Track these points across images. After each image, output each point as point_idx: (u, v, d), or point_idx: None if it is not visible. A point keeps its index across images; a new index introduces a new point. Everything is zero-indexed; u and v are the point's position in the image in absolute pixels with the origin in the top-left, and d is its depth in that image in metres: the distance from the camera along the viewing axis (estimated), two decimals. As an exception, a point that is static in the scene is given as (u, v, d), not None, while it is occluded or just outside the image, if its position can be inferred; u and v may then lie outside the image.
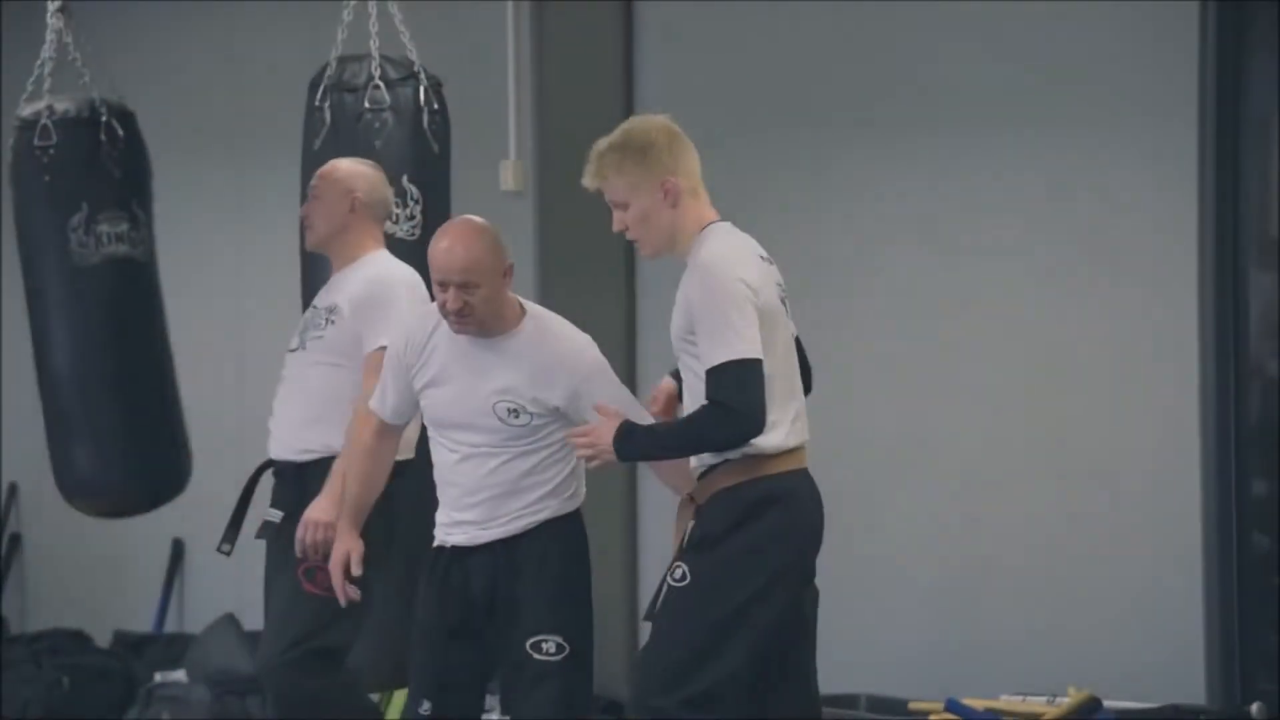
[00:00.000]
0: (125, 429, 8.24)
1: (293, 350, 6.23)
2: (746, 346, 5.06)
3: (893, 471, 8.44)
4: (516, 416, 5.39)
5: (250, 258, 10.43)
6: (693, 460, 5.21)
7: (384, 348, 5.89)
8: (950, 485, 8.28)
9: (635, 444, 5.19)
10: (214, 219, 10.56)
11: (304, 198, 6.56)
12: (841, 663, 8.36)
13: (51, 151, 8.06)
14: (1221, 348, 7.46)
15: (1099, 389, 7.97)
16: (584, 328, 8.87)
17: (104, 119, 8.02)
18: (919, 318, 8.39)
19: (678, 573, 5.15)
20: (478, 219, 5.49)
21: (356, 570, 5.62)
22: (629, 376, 9.12)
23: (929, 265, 8.37)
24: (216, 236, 10.58)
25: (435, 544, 5.53)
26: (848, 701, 7.98)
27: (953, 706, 7.34)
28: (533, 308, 5.53)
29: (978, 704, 7.30)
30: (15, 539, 11.26)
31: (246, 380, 9.33)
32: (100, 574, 10.90)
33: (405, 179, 6.97)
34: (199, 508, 10.11)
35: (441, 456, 5.49)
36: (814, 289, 8.61)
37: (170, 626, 10.57)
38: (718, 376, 5.05)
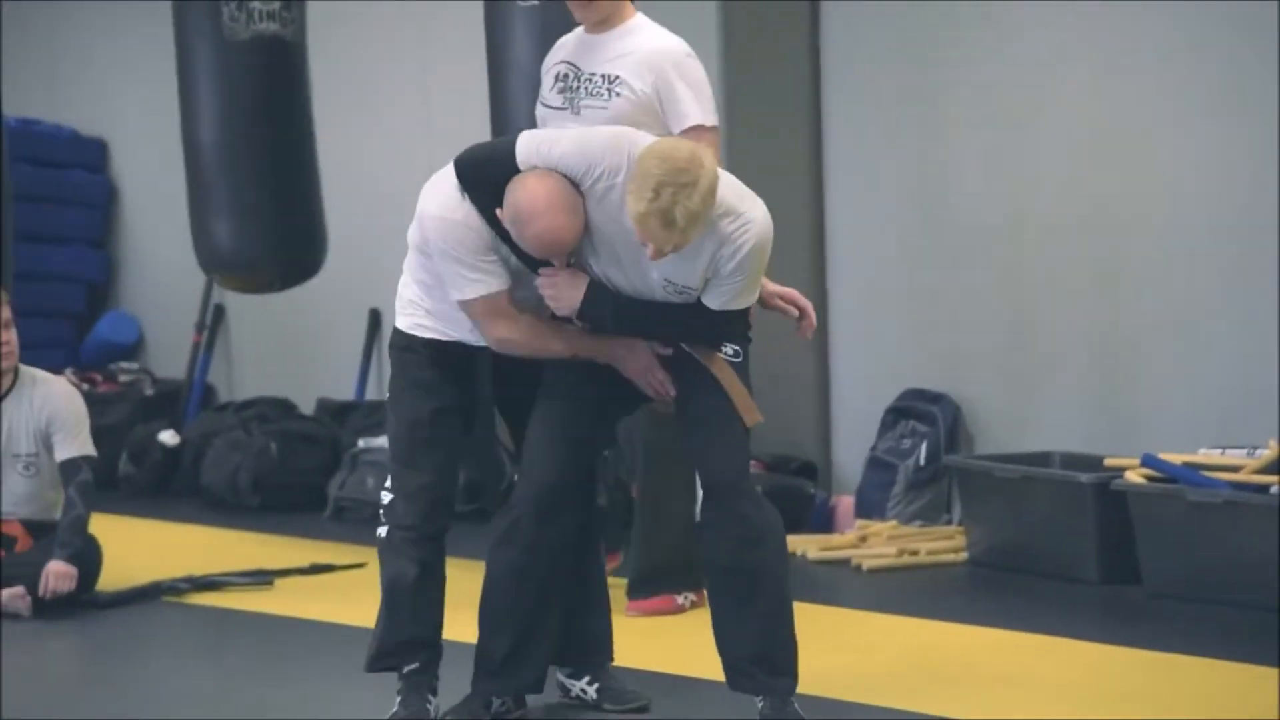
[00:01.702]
0: (265, 205, 8.22)
1: (557, 109, 5.68)
2: (757, 294, 5.32)
3: (1090, 235, 8.20)
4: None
5: (436, 40, 10.32)
6: None
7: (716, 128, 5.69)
8: (1145, 248, 8.05)
9: (603, 311, 5.21)
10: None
11: None
12: (1035, 421, 8.26)
13: None
14: None
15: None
16: (768, 63, 8.66)
17: None
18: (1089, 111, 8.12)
19: (729, 350, 5.27)
20: None
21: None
22: (814, 135, 8.91)
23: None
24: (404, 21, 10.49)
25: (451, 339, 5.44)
26: (1041, 459, 7.87)
27: (1149, 461, 7.18)
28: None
29: (1175, 459, 7.11)
30: (219, 310, 11.37)
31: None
32: (302, 344, 11.01)
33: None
34: (395, 278, 10.11)
35: None
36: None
37: (370, 394, 10.62)
38: (734, 314, 5.22)
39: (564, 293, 5.21)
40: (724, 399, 5.25)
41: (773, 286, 5.47)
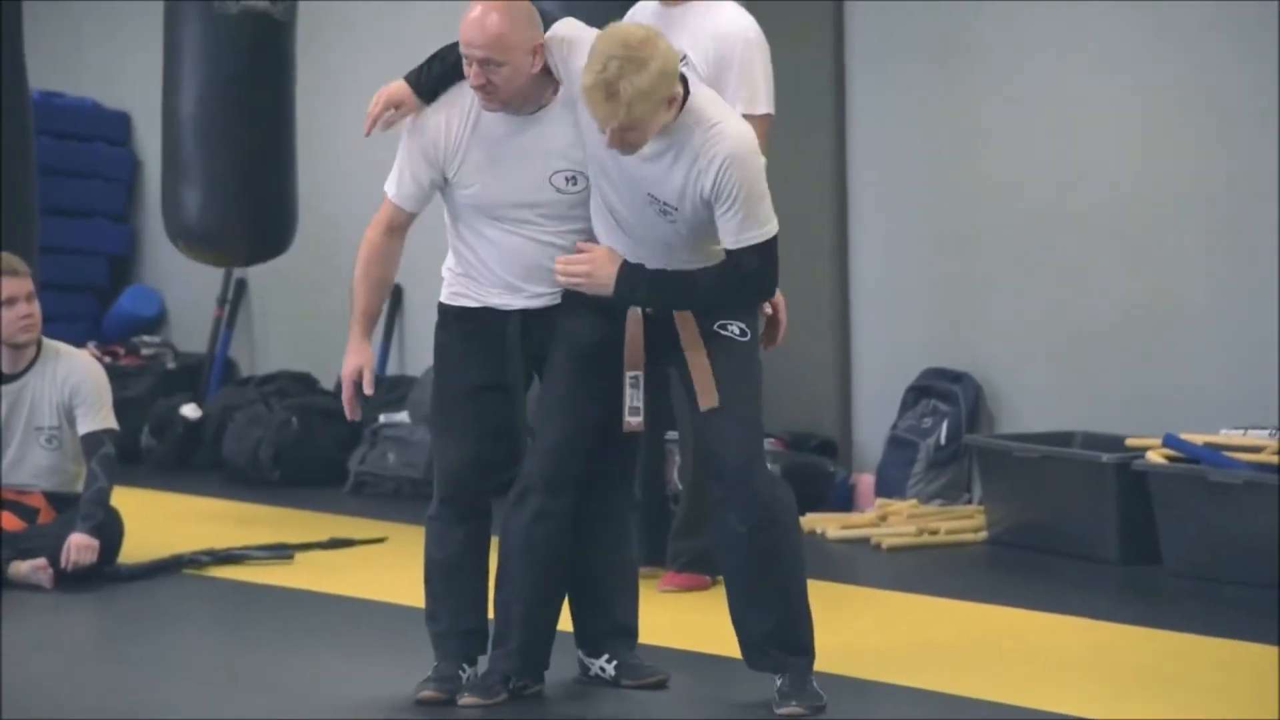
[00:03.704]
0: (237, 180, 8.22)
1: None
2: (775, 223, 5.16)
3: (1116, 216, 8.17)
4: (574, 183, 5.29)
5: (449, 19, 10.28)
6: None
7: (768, 115, 5.66)
8: (1171, 229, 8.03)
9: (636, 288, 5.19)
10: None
11: None
12: (1057, 400, 8.25)
13: None
14: None
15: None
16: (796, 74, 8.63)
17: None
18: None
19: (734, 328, 5.24)
20: None
21: (369, 390, 5.40)
22: (838, 118, 8.90)
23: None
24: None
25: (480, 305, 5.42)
26: (1062, 439, 7.86)
27: (1171, 441, 7.17)
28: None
29: (1197, 439, 7.10)
30: (241, 284, 11.38)
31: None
32: (323, 319, 10.98)
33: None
34: (418, 254, 10.10)
35: (491, 241, 5.36)
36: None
37: (392, 370, 10.63)
38: (761, 251, 5.12)
39: (599, 269, 5.20)
40: (733, 384, 5.22)
41: None
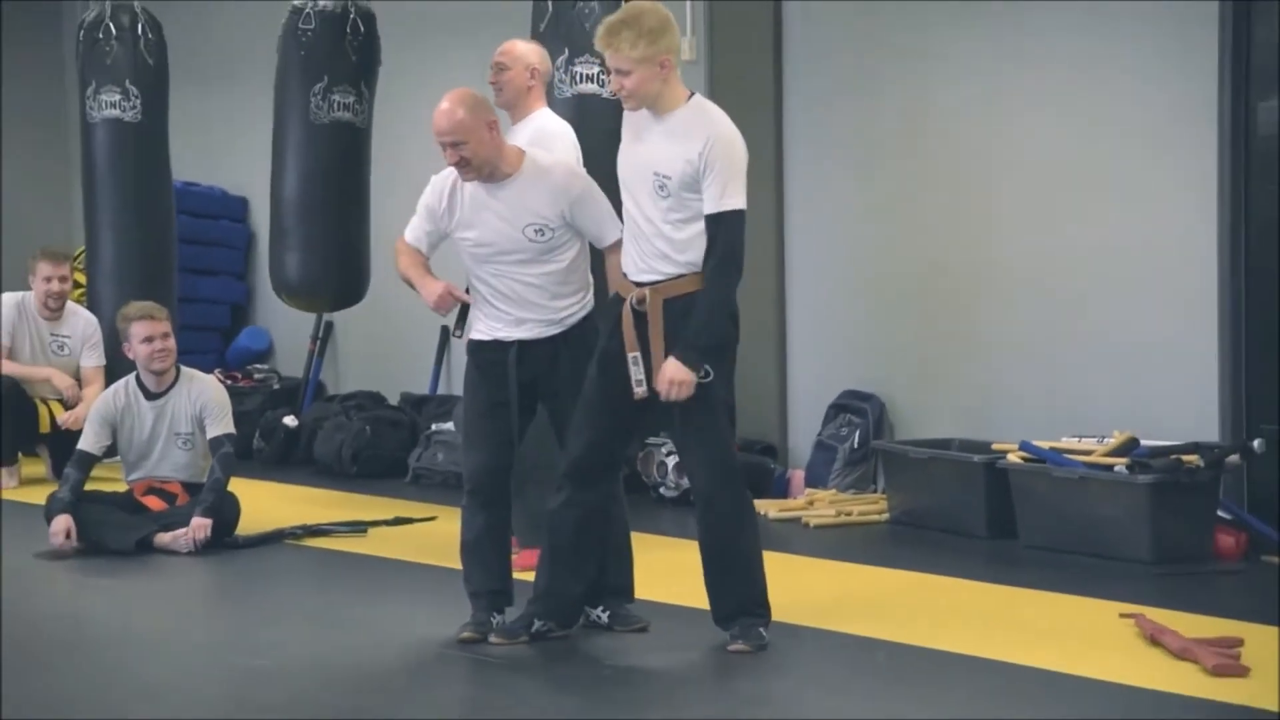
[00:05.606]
0: (327, 246, 8.32)
1: None
2: (744, 201, 5.01)
3: (978, 280, 8.12)
4: (542, 234, 5.29)
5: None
6: (635, 270, 5.10)
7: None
8: (1024, 275, 7.97)
9: (693, 352, 5.02)
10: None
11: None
12: (941, 416, 8.26)
13: (309, 33, 8.11)
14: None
15: (1129, 187, 7.52)
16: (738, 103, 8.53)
17: (351, 16, 8.09)
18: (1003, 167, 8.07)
19: (701, 370, 5.03)
20: (464, 89, 5.31)
21: (461, 295, 5.40)
22: (778, 192, 8.87)
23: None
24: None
25: (490, 339, 5.38)
26: (943, 444, 7.85)
27: (1025, 446, 7.21)
28: (531, 152, 5.41)
29: (1044, 444, 7.16)
30: (329, 325, 11.40)
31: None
32: (390, 351, 11.01)
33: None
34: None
35: (489, 283, 5.36)
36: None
37: (441, 390, 10.66)
38: (731, 220, 4.96)
39: (674, 373, 5.01)
40: (703, 418, 5.09)
41: None
